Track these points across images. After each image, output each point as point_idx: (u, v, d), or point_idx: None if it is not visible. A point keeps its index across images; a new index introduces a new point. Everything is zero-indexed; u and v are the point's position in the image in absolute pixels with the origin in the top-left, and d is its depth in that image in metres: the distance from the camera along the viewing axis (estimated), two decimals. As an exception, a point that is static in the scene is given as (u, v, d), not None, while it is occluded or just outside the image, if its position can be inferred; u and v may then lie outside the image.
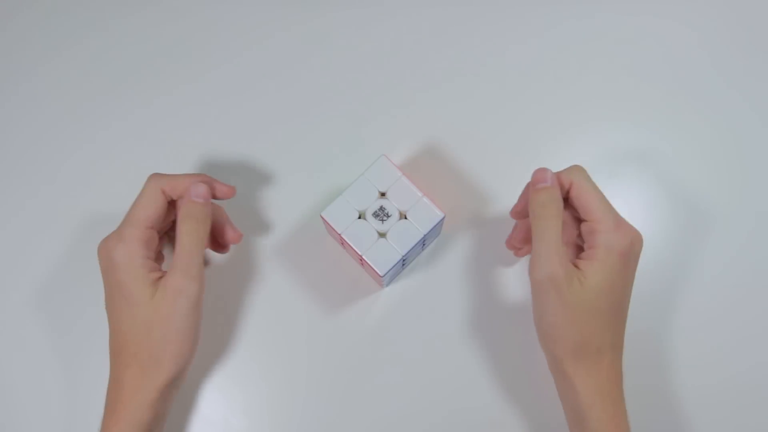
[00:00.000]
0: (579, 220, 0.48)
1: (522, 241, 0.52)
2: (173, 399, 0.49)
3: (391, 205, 0.50)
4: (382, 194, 0.50)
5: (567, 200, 0.49)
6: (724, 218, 0.57)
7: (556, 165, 0.49)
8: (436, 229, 0.51)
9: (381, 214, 0.50)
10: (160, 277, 0.47)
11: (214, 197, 0.50)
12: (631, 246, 0.45)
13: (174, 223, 0.52)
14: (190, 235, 0.47)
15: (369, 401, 0.54)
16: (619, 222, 0.46)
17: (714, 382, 0.54)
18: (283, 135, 0.59)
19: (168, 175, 0.49)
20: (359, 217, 0.50)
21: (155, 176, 0.49)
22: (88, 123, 0.59)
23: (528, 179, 0.57)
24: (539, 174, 0.47)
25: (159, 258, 0.51)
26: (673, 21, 0.61)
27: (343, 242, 0.51)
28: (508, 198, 0.57)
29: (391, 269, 0.49)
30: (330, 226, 0.50)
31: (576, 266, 0.45)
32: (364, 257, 0.49)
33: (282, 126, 0.59)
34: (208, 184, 0.49)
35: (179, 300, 0.46)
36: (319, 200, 0.57)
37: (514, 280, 0.56)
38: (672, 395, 0.54)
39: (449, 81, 0.60)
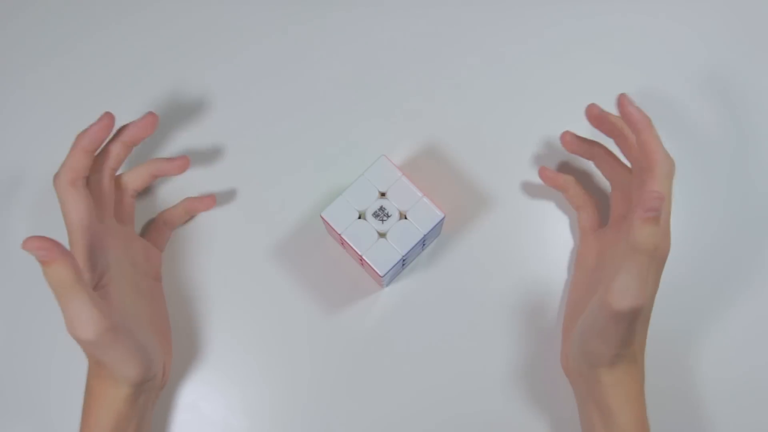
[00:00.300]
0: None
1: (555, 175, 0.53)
2: (151, 406, 0.49)
3: (391, 205, 0.50)
4: (382, 194, 0.50)
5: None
6: (726, 217, 0.57)
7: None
8: (436, 229, 0.51)
9: (381, 214, 0.50)
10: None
11: (167, 174, 0.54)
12: (655, 250, 0.44)
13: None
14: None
15: (369, 401, 0.54)
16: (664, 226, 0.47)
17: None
18: (282, 135, 0.59)
19: (64, 167, 0.49)
20: (359, 217, 0.50)
21: (59, 177, 0.49)
22: (88, 123, 0.59)
23: (528, 178, 0.57)
24: (654, 200, 0.40)
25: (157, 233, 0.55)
26: (674, 21, 0.61)
27: (343, 242, 0.51)
28: (509, 198, 0.57)
29: (391, 269, 0.49)
30: (330, 226, 0.50)
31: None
32: (364, 257, 0.49)
33: (282, 126, 0.59)
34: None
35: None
36: (319, 200, 0.57)
37: (514, 280, 0.56)
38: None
39: (449, 81, 0.60)
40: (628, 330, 0.43)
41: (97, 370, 0.46)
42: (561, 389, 0.53)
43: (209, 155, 0.58)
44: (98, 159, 0.51)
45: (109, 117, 0.49)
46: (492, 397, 0.54)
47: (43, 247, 0.40)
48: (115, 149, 0.51)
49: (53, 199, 0.58)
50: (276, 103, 0.60)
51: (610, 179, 0.52)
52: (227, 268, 0.56)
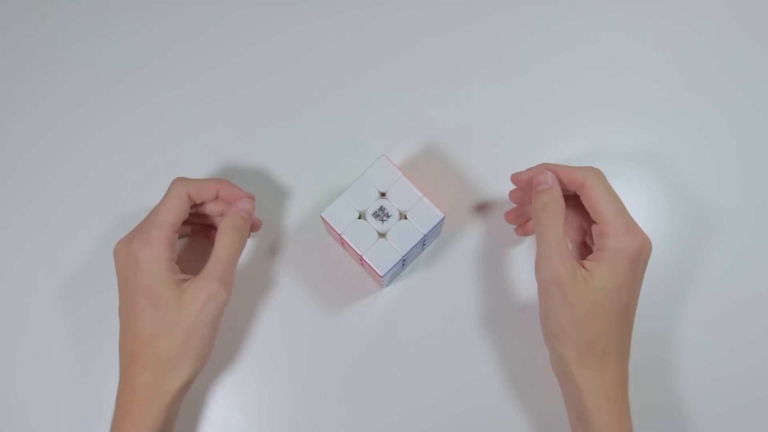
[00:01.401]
0: (590, 220, 0.49)
1: (516, 216, 0.54)
2: (183, 402, 0.49)
3: (391, 205, 0.50)
4: (382, 194, 0.50)
5: (574, 198, 0.49)
6: (727, 217, 0.57)
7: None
8: (436, 229, 0.51)
9: (381, 214, 0.50)
10: (187, 279, 0.47)
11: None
12: (641, 251, 0.45)
13: (187, 225, 0.54)
14: (231, 247, 0.48)
15: (369, 401, 0.54)
16: (630, 226, 0.46)
17: (717, 381, 0.54)
18: (283, 135, 0.59)
19: (193, 180, 0.50)
20: (359, 217, 0.50)
21: (180, 180, 0.50)
22: (88, 123, 0.59)
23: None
24: (540, 176, 0.48)
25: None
26: (675, 21, 0.61)
27: (343, 242, 0.51)
28: (508, 198, 0.57)
29: (391, 269, 0.49)
30: (330, 226, 0.50)
31: (583, 266, 0.46)
32: (364, 257, 0.49)
33: (282, 126, 0.59)
34: (253, 198, 0.51)
35: (209, 305, 0.46)
36: (319, 200, 0.57)
37: (514, 279, 0.56)
38: (675, 396, 0.54)
39: (449, 81, 0.60)
40: (565, 301, 0.44)
41: (155, 360, 0.46)
42: (558, 389, 0.53)
43: (209, 155, 0.58)
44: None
45: (252, 201, 0.51)
46: (491, 396, 0.54)
47: None
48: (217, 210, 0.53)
49: (54, 199, 0.58)
50: (276, 103, 0.60)
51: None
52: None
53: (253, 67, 0.60)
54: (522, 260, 0.56)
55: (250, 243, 0.57)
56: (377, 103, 0.59)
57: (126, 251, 0.47)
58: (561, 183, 0.48)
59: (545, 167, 0.48)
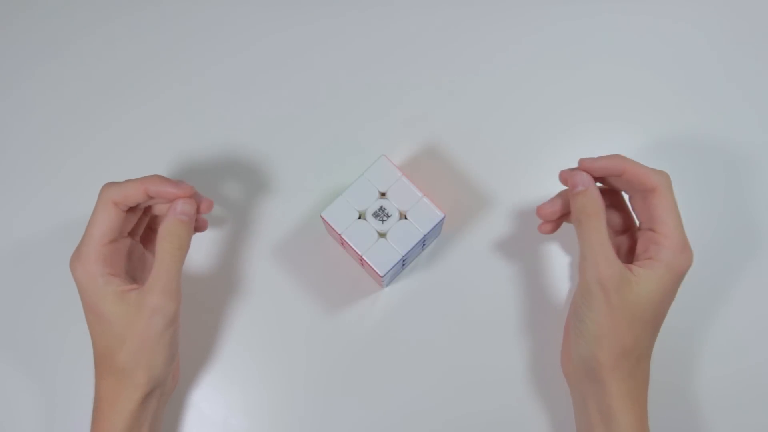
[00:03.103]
0: (626, 219, 0.48)
1: (552, 214, 0.50)
2: (159, 409, 0.49)
3: (391, 205, 0.50)
4: (382, 194, 0.50)
5: (611, 196, 0.49)
6: (729, 217, 0.57)
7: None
8: (436, 229, 0.51)
9: (381, 214, 0.50)
10: (132, 289, 0.46)
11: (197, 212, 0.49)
12: (688, 270, 0.46)
13: (148, 223, 0.52)
14: (171, 255, 0.46)
15: (369, 401, 0.54)
16: (686, 244, 0.46)
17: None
18: (282, 135, 0.59)
19: (118, 183, 0.47)
20: (359, 218, 0.50)
21: (106, 187, 0.47)
22: (87, 123, 0.59)
23: (528, 178, 0.57)
24: (576, 177, 0.47)
25: (143, 261, 0.50)
26: (675, 20, 0.61)
27: (343, 242, 0.51)
28: (509, 198, 0.57)
29: (391, 269, 0.49)
30: (330, 226, 0.50)
31: (630, 270, 0.45)
32: (364, 257, 0.49)
33: (281, 126, 0.59)
34: (191, 197, 0.47)
35: (155, 318, 0.45)
36: (319, 200, 0.57)
37: (515, 279, 0.56)
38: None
39: (449, 81, 0.60)
40: (608, 305, 0.44)
41: (110, 370, 0.46)
42: (560, 389, 0.53)
43: (208, 156, 0.58)
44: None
45: (211, 205, 0.49)
46: (492, 396, 0.54)
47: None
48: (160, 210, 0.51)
49: (54, 199, 0.58)
50: (276, 103, 0.60)
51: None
52: (227, 268, 0.56)
53: (253, 67, 0.60)
54: (522, 260, 0.56)
55: (251, 243, 0.57)
56: (377, 103, 0.59)
57: (70, 267, 0.46)
58: (628, 181, 0.47)
59: (621, 159, 0.47)
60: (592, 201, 0.46)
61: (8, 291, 0.56)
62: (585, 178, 0.46)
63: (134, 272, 0.49)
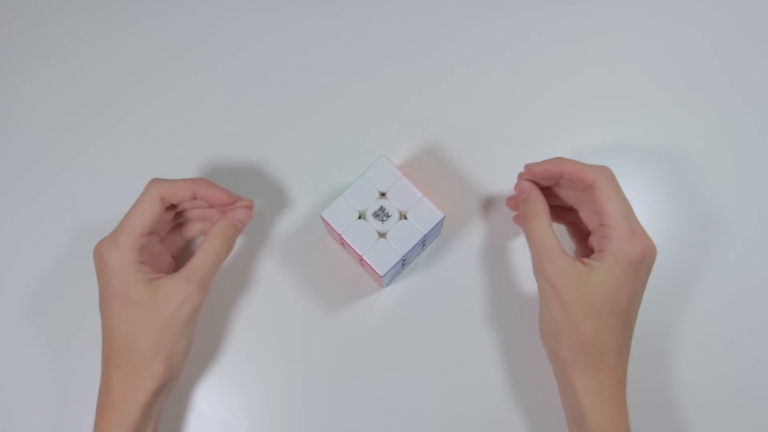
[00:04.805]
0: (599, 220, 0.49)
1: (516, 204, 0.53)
2: (164, 403, 0.49)
3: (391, 205, 0.50)
4: (382, 194, 0.50)
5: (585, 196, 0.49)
6: (728, 216, 0.57)
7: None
8: (436, 229, 0.51)
9: (381, 214, 0.50)
10: (157, 278, 0.47)
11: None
12: (642, 257, 0.45)
13: (175, 223, 0.53)
14: (217, 253, 0.49)
15: (369, 401, 0.54)
16: (634, 230, 0.45)
17: (716, 380, 0.54)
18: (282, 135, 0.59)
19: (168, 180, 0.49)
20: (359, 218, 0.50)
21: (155, 182, 0.49)
22: (87, 125, 0.59)
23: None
24: (518, 186, 0.50)
25: (159, 258, 0.51)
26: (676, 20, 0.61)
27: (343, 242, 0.51)
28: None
29: (391, 269, 0.49)
30: (330, 226, 0.50)
31: (582, 263, 0.46)
32: (364, 257, 0.49)
33: (282, 126, 0.59)
34: (250, 209, 0.51)
35: (185, 306, 0.47)
36: (319, 200, 0.57)
37: (514, 279, 0.56)
38: (674, 395, 0.54)
39: (449, 81, 0.60)
40: (558, 300, 0.45)
41: (127, 359, 0.46)
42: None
43: (208, 156, 0.58)
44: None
45: (249, 212, 0.51)
46: (492, 396, 0.54)
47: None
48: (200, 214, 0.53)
49: (54, 199, 0.58)
50: (276, 103, 0.60)
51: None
52: (227, 268, 0.56)
53: (253, 67, 0.60)
54: (522, 260, 0.56)
55: (251, 243, 0.57)
56: (377, 103, 0.59)
57: (99, 254, 0.47)
58: (570, 181, 0.48)
59: (559, 161, 0.48)
60: (532, 206, 0.48)
61: (8, 292, 0.56)
62: (526, 186, 0.50)
63: (154, 267, 0.50)
